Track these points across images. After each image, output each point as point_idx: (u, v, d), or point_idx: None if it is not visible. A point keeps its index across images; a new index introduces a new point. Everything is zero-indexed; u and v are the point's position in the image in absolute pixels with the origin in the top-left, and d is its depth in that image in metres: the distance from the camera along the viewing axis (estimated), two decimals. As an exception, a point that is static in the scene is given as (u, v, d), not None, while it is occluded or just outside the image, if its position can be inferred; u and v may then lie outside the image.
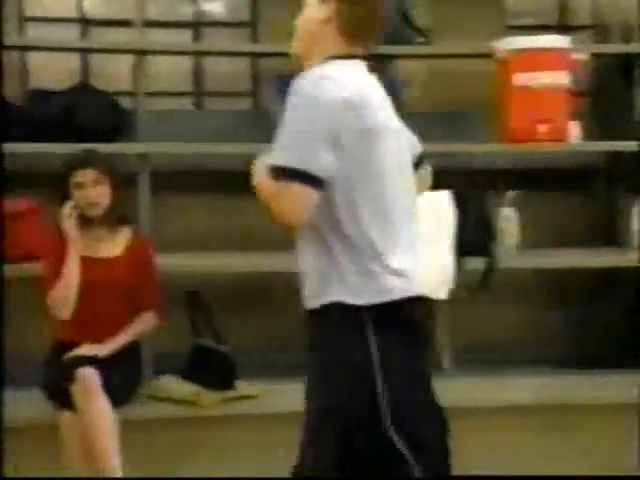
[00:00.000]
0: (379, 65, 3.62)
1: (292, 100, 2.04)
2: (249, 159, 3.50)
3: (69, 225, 3.01)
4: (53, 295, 2.99)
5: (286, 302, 3.89)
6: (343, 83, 2.02)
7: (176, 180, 3.72)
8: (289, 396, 3.25)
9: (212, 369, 3.16)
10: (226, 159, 3.61)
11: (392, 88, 3.53)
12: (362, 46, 2.13)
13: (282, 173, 1.99)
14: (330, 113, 1.98)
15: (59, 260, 3.01)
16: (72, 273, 2.99)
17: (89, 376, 2.85)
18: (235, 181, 3.77)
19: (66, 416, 2.88)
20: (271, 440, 3.05)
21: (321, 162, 1.98)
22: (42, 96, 3.47)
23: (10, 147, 3.27)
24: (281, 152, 2.01)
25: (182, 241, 3.68)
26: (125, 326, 3.07)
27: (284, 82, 3.49)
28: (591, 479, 3.00)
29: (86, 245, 3.04)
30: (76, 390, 2.84)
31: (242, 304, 3.73)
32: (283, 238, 3.68)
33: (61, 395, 2.89)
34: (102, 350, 2.98)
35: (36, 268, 3.13)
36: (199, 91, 3.96)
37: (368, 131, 2.02)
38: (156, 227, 3.48)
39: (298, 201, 1.98)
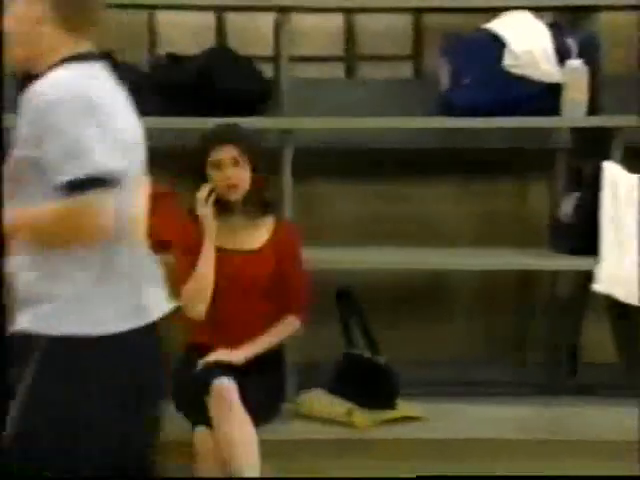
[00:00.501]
0: (573, 18, 3.59)
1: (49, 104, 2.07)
2: (409, 135, 3.65)
3: (205, 211, 3.06)
4: (185, 292, 3.05)
5: (455, 306, 3.97)
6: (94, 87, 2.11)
7: (324, 160, 3.75)
8: (459, 419, 3.29)
9: (368, 384, 3.17)
10: (383, 136, 3.64)
11: (588, 47, 3.47)
12: (90, 37, 2.17)
13: (82, 184, 2.04)
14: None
15: (192, 252, 3.07)
16: (207, 267, 3.05)
17: (227, 388, 2.89)
18: (394, 161, 3.87)
19: (201, 433, 2.93)
20: (437, 470, 3.02)
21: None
22: (173, 61, 3.54)
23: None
24: (73, 162, 2.05)
25: (331, 232, 3.74)
26: (265, 329, 3.10)
27: (452, 44, 3.56)
28: (591, 479, 3.02)
29: (223, 235, 3.09)
30: (212, 403, 2.89)
31: (402, 308, 3.77)
32: (453, 230, 3.80)
33: (195, 409, 2.95)
34: (238, 356, 3.03)
35: (166, 262, 3.16)
36: (351, 55, 3.98)
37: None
38: (301, 215, 3.53)
39: (109, 210, 2.08)
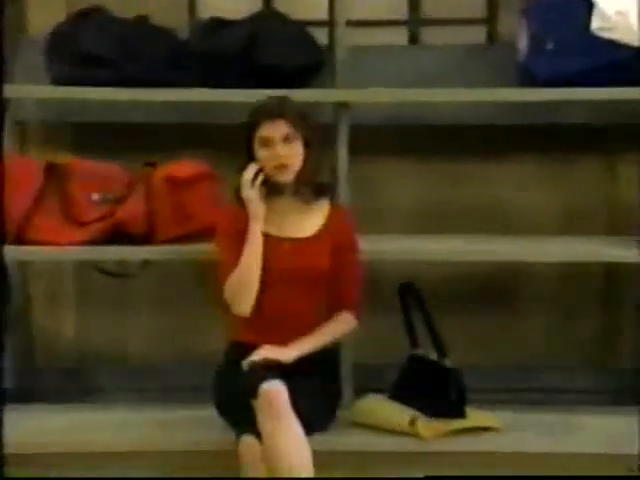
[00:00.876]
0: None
1: None
2: (482, 109, 3.62)
3: (252, 194, 3.06)
4: (229, 285, 3.05)
5: (531, 304, 3.93)
6: None
7: (384, 137, 3.76)
8: (536, 430, 3.25)
9: (434, 389, 3.15)
10: (451, 110, 3.63)
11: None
12: None
13: None
14: None
15: (237, 240, 3.07)
16: (254, 257, 3.05)
17: (277, 392, 2.88)
18: (464, 139, 3.82)
19: (247, 442, 2.92)
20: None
21: None
22: (216, 27, 3.54)
23: (175, 94, 3.41)
24: None
25: (391, 218, 3.75)
26: (318, 326, 3.10)
27: (533, 4, 3.51)
28: (591, 479, 3.09)
29: (272, 221, 3.09)
30: (259, 409, 2.88)
31: (471, 305, 3.77)
32: (530, 217, 3.77)
33: (240, 415, 2.95)
34: (288, 354, 3.03)
35: (208, 250, 3.21)
36: (415, 19, 3.96)
37: None
38: (358, 199, 3.52)
39: None
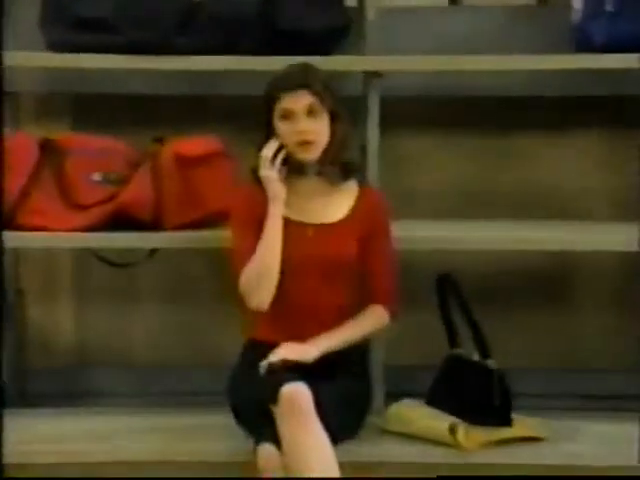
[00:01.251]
0: None
1: None
2: (531, 79, 3.59)
3: (271, 174, 3.06)
4: (246, 276, 3.05)
5: (585, 299, 3.91)
6: None
7: (420, 110, 3.75)
8: (592, 440, 3.24)
9: (476, 393, 3.14)
10: (496, 79, 3.60)
11: None
12: None
13: None
14: None
15: (255, 226, 3.08)
16: (273, 244, 3.05)
17: (299, 394, 2.88)
18: (510, 112, 3.80)
19: (266, 451, 2.92)
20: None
21: None
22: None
23: (186, 62, 3.39)
24: None
25: (427, 201, 3.74)
26: (345, 322, 3.10)
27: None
28: (591, 479, 3.14)
29: (294, 204, 3.10)
30: (280, 414, 2.88)
31: (517, 299, 3.75)
32: (586, 199, 3.74)
33: (259, 421, 2.96)
34: (309, 352, 3.03)
35: (221, 237, 3.22)
36: (455, -23, 3.99)
37: None
38: (390, 180, 3.52)
39: None
